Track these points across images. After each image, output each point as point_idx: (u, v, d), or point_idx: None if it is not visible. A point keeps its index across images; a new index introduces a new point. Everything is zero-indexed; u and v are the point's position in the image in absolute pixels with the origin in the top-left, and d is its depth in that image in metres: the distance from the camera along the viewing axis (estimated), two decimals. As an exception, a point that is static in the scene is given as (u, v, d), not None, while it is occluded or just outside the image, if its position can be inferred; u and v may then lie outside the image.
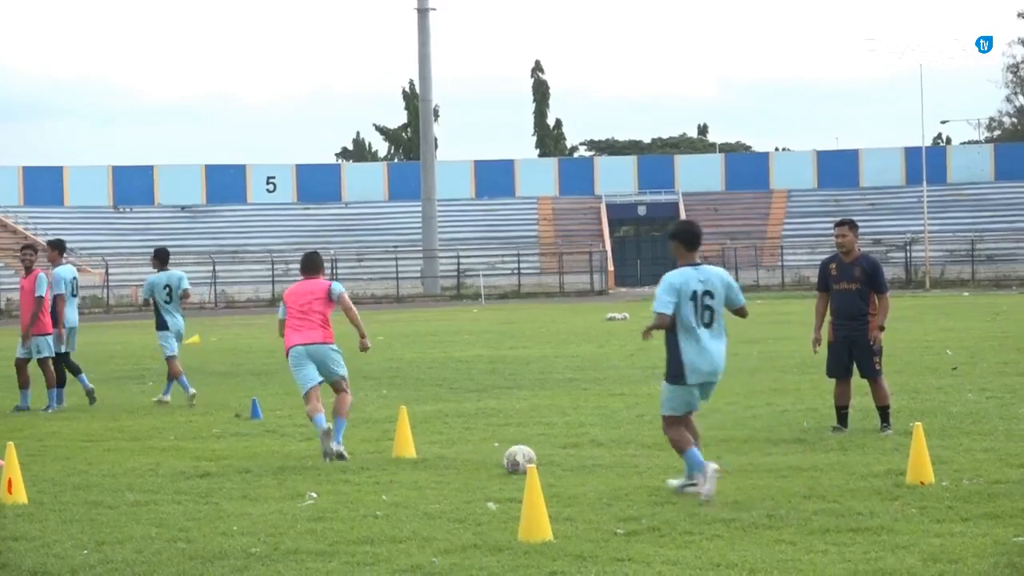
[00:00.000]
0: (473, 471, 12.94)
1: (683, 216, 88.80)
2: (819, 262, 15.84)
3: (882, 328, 14.97)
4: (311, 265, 14.65)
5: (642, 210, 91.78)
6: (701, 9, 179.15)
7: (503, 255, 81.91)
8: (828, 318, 15.14)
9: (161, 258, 20.64)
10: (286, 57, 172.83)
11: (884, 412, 14.94)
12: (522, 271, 78.64)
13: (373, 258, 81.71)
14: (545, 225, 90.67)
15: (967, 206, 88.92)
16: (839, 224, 15.35)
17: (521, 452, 12.76)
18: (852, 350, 14.91)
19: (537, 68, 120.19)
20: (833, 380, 15.14)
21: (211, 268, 73.56)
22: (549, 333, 36.58)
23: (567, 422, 16.56)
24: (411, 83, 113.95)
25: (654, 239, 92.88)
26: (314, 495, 11.79)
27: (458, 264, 78.15)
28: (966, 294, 61.79)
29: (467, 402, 19.22)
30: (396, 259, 77.18)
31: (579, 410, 17.82)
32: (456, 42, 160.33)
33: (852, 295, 14.93)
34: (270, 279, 74.77)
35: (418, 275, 77.75)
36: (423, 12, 77.66)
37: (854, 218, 16.02)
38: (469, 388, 21.31)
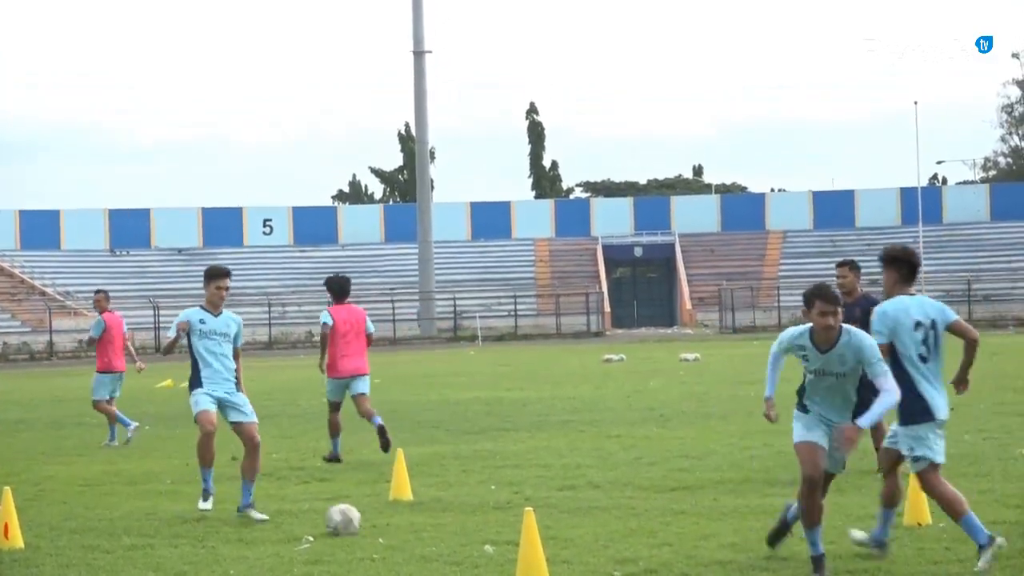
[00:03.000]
0: (470, 514, 12.93)
1: (679, 257, 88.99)
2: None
3: None
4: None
5: (638, 251, 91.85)
6: (696, 50, 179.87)
7: (500, 297, 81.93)
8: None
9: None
10: (281, 99, 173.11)
11: (882, 453, 14.88)
12: (519, 313, 78.63)
13: (369, 300, 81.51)
14: (541, 267, 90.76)
15: (963, 246, 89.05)
16: (840, 264, 15.30)
17: (338, 511, 12.04)
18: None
19: (532, 110, 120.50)
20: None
21: (208, 311, 73.42)
22: (546, 375, 36.54)
23: (564, 464, 16.54)
24: (407, 125, 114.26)
25: (650, 280, 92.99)
26: (311, 538, 11.78)
27: (454, 306, 78.16)
28: (962, 334, 61.70)
29: (464, 444, 19.20)
30: (392, 301, 77.12)
31: (576, 452, 17.79)
32: (452, 84, 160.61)
33: (851, 336, 14.85)
34: (267, 322, 74.71)
35: (415, 317, 77.71)
36: (419, 55, 77.88)
37: (852, 259, 15.98)
38: (466, 430, 21.28)
